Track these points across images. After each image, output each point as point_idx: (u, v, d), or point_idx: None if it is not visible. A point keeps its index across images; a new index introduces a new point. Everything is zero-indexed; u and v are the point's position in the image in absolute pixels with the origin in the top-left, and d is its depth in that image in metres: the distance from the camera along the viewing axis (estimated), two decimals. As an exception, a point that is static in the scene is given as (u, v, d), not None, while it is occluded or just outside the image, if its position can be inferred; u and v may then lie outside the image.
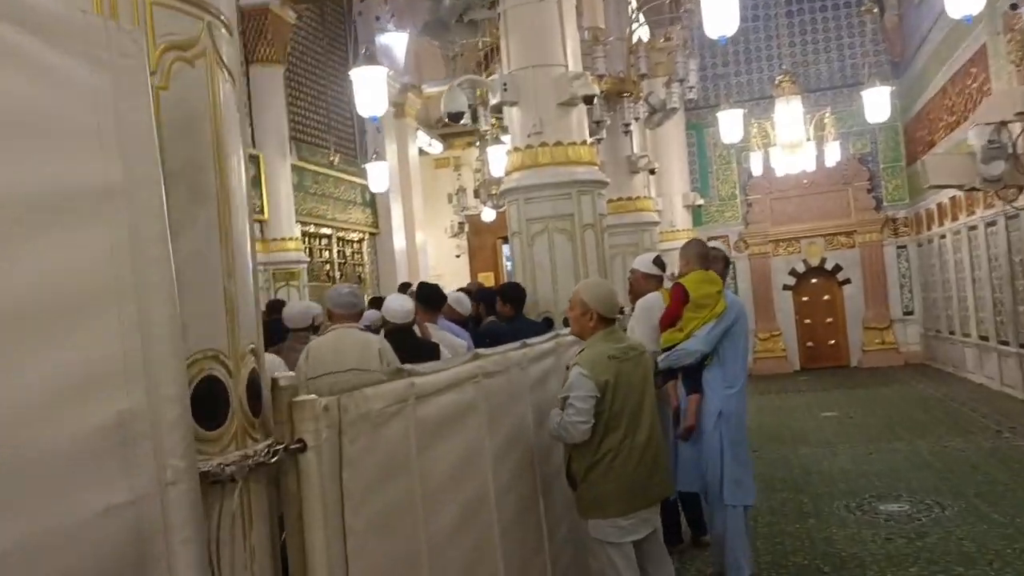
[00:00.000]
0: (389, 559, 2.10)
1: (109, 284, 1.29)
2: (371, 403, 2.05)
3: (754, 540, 5.04)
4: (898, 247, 15.74)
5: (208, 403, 1.59)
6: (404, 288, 7.27)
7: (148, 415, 1.33)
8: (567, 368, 3.79)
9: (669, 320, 4.79)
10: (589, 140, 6.79)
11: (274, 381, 1.81)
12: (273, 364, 4.95)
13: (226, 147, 1.70)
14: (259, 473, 1.69)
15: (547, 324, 6.09)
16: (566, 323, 6.17)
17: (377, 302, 6.82)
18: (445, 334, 4.99)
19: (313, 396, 1.80)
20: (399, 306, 4.55)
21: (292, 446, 1.75)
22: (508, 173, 6.65)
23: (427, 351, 4.34)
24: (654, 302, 5.02)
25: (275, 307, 6.85)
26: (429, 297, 5.20)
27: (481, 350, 3.17)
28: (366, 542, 1.95)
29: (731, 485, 4.55)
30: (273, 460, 1.69)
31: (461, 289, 6.80)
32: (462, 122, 7.29)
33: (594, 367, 3.50)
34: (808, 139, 12.68)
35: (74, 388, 1.20)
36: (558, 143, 6.33)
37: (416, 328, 4.75)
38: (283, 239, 10.87)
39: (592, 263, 6.37)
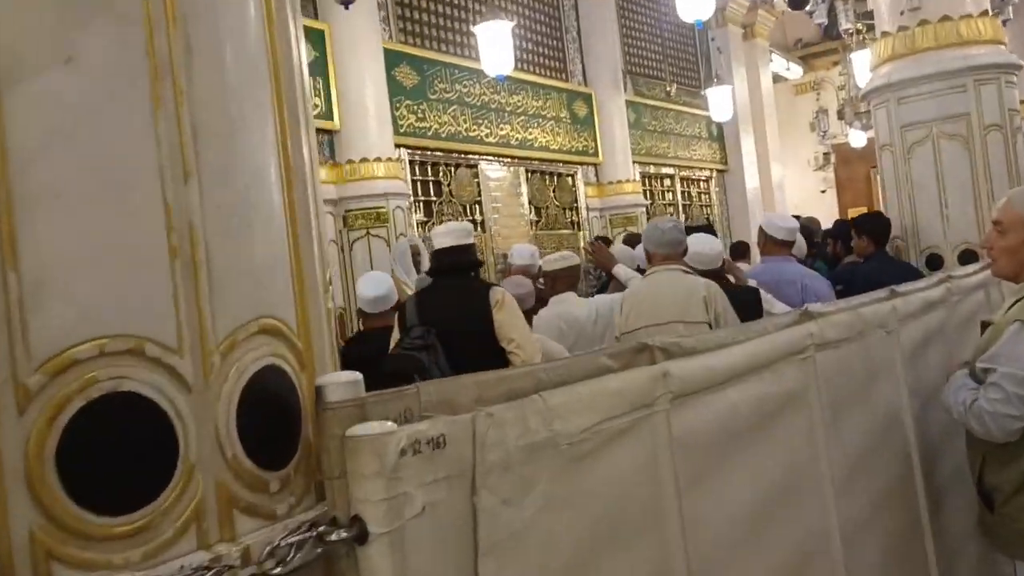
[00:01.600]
0: None
1: None
2: (557, 419, 1.07)
3: None
4: None
5: (100, 459, 0.74)
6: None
7: None
8: (983, 325, 2.45)
9: None
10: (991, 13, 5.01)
11: (319, 392, 0.91)
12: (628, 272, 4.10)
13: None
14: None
15: (932, 265, 4.59)
16: (963, 260, 4.64)
17: (632, 238, 5.73)
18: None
19: (388, 426, 0.86)
20: (708, 248, 3.54)
21: (336, 535, 0.83)
22: (874, 69, 5.13)
23: (746, 300, 3.28)
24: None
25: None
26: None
27: (814, 306, 2.02)
28: None
29: None
30: (277, 570, 0.79)
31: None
32: (808, 11, 5.83)
33: None
34: None
35: None
36: (944, 18, 4.69)
37: (730, 277, 3.67)
38: (619, 182, 10.17)
39: (1000, 179, 4.68)
